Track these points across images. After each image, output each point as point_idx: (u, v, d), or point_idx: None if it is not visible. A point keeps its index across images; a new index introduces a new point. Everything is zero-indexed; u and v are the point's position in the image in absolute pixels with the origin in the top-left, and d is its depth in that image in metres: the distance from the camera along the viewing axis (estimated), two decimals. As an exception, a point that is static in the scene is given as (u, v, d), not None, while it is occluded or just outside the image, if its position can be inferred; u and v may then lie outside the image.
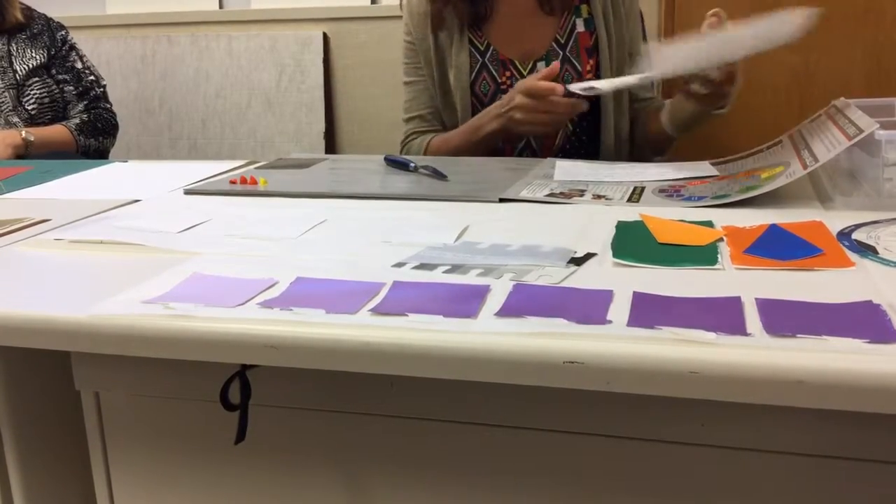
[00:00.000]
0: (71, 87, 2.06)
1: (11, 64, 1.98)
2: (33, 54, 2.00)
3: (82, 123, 2.06)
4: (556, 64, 1.36)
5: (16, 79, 1.98)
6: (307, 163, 1.36)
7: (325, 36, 2.46)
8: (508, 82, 1.48)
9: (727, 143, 2.09)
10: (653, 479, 0.66)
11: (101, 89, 2.13)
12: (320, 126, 2.52)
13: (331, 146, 2.54)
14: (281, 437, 0.75)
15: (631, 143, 1.53)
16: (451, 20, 1.49)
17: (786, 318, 0.60)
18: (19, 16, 1.98)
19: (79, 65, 2.09)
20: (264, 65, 2.51)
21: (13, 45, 2.00)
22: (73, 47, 2.10)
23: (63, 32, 2.09)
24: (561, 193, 1.04)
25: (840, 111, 1.04)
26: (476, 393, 0.67)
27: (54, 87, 2.04)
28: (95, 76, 2.13)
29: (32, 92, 2.00)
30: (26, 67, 1.98)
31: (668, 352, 0.56)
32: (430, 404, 0.70)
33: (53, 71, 2.05)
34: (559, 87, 1.27)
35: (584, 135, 1.51)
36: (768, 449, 0.62)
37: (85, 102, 2.08)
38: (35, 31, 2.02)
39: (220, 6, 2.56)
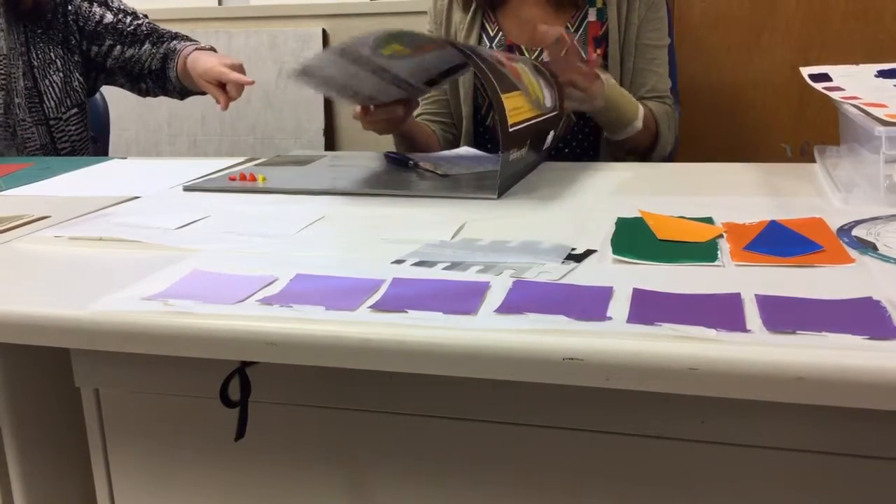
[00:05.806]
0: (129, 48, 1.62)
1: (37, 84, 1.54)
2: (52, 55, 1.57)
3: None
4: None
5: (45, 112, 1.57)
6: (306, 160, 1.36)
7: (324, 32, 2.45)
8: None
9: (726, 140, 2.09)
10: (652, 475, 0.66)
11: (144, 20, 1.67)
12: (320, 123, 2.52)
13: (330, 143, 2.54)
14: (280, 434, 0.75)
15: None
16: (470, 3, 1.51)
17: (786, 314, 0.60)
18: None
19: (109, 17, 1.63)
20: (264, 62, 2.50)
21: (33, 49, 1.54)
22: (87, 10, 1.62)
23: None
24: None
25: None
26: (476, 390, 0.67)
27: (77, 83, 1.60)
28: (129, 12, 1.66)
29: (69, 128, 1.61)
30: (57, 87, 1.56)
31: (668, 348, 0.56)
32: (429, 401, 0.70)
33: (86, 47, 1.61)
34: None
35: (586, 126, 1.50)
36: (768, 445, 0.63)
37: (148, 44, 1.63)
38: (48, 17, 1.58)
39: (220, 3, 2.56)
